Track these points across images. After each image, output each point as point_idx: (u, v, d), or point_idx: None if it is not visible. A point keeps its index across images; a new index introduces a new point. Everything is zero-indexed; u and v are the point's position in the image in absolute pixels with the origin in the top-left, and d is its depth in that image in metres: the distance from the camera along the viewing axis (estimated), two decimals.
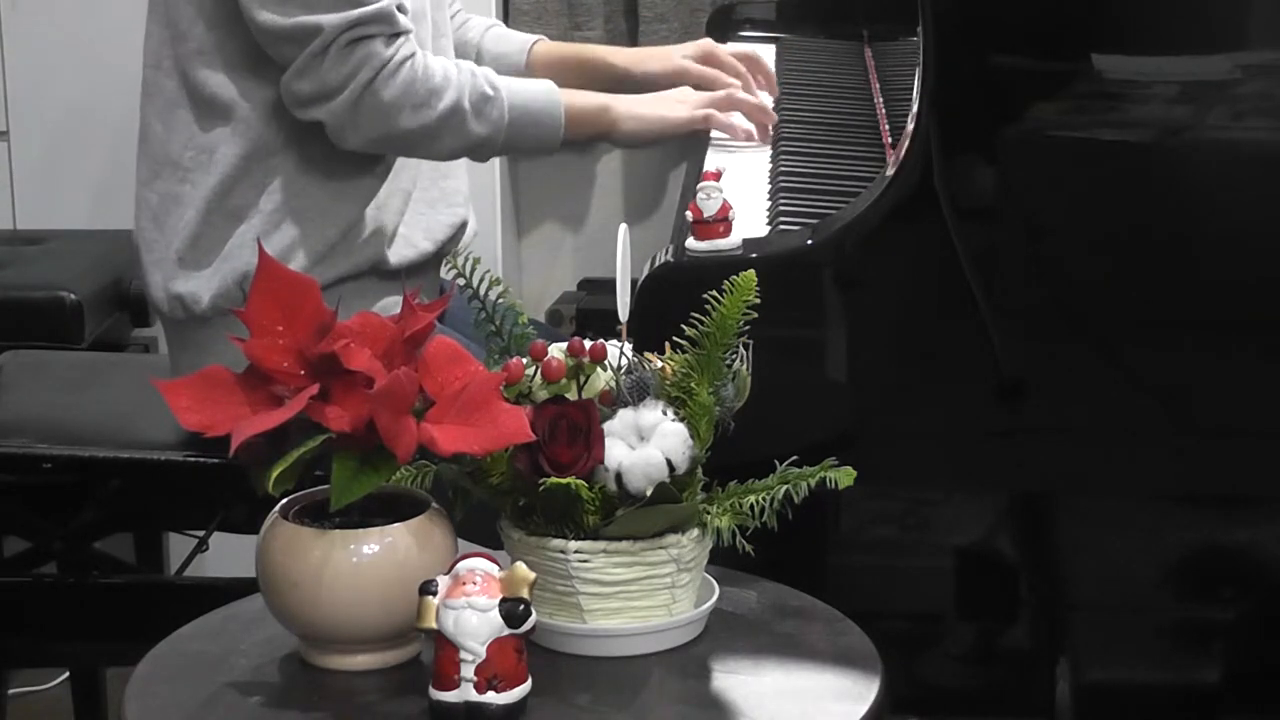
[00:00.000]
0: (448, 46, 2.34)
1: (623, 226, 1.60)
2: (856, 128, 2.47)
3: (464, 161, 2.36)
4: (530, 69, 2.48)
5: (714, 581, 1.60)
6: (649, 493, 1.51)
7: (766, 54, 2.93)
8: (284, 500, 1.54)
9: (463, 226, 2.32)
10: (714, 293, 1.57)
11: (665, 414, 1.53)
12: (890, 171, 1.87)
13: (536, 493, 1.52)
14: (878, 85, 2.64)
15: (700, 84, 2.48)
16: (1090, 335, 1.88)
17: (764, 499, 1.53)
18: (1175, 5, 1.85)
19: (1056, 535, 1.94)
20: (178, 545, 2.67)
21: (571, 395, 1.54)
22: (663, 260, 1.88)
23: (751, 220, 2.11)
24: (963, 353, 1.87)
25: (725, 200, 1.86)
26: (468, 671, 1.41)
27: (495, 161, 3.25)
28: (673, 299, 1.69)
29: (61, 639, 2.32)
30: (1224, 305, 1.86)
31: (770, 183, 2.28)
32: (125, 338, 3.00)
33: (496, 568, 1.44)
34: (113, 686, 2.64)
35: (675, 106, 2.39)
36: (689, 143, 3.26)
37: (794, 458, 1.56)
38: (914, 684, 1.94)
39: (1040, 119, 1.84)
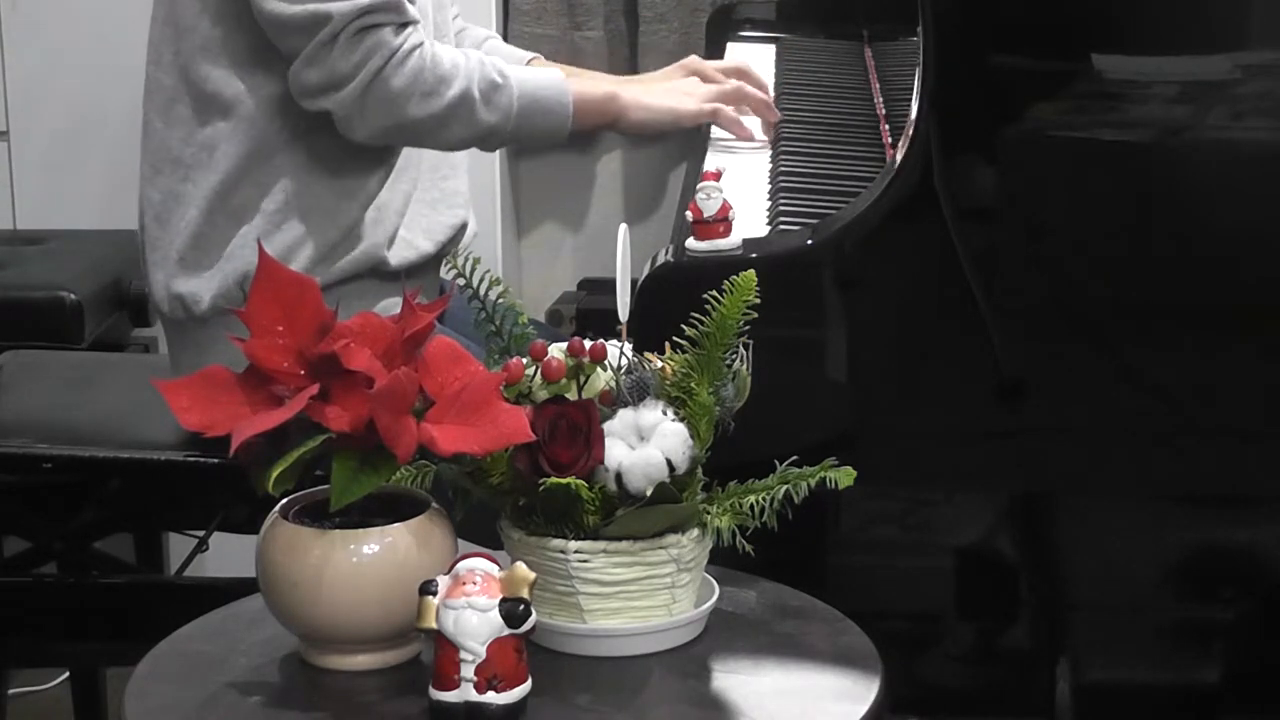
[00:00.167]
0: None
1: (623, 226, 1.60)
2: (856, 128, 2.47)
3: (465, 162, 2.36)
4: None
5: (714, 581, 1.60)
6: (649, 493, 1.51)
7: (766, 54, 2.93)
8: (284, 500, 1.54)
9: (463, 227, 2.32)
10: (714, 293, 1.57)
11: (665, 414, 1.53)
12: (890, 171, 1.86)
13: (536, 493, 1.52)
14: (878, 85, 2.64)
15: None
16: (1090, 335, 1.88)
17: (764, 499, 1.53)
18: (1175, 5, 1.85)
19: (1056, 535, 1.94)
20: (178, 545, 2.67)
21: (571, 395, 1.54)
22: (663, 260, 1.88)
23: (751, 220, 2.11)
24: (963, 353, 1.87)
25: (725, 200, 1.86)
26: (468, 671, 1.41)
27: (495, 162, 3.25)
28: (673, 299, 1.69)
29: (61, 639, 2.32)
30: (1224, 305, 1.86)
31: (770, 183, 2.28)
32: (125, 338, 3.00)
33: (496, 568, 1.44)
34: (113, 686, 2.64)
35: (683, 98, 2.39)
36: (689, 143, 3.26)
37: (794, 458, 1.56)
38: (914, 684, 1.94)
39: (1040, 119, 1.84)
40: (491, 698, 1.42)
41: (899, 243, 1.87)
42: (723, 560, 1.61)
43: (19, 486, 2.29)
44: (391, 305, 2.10)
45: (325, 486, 1.50)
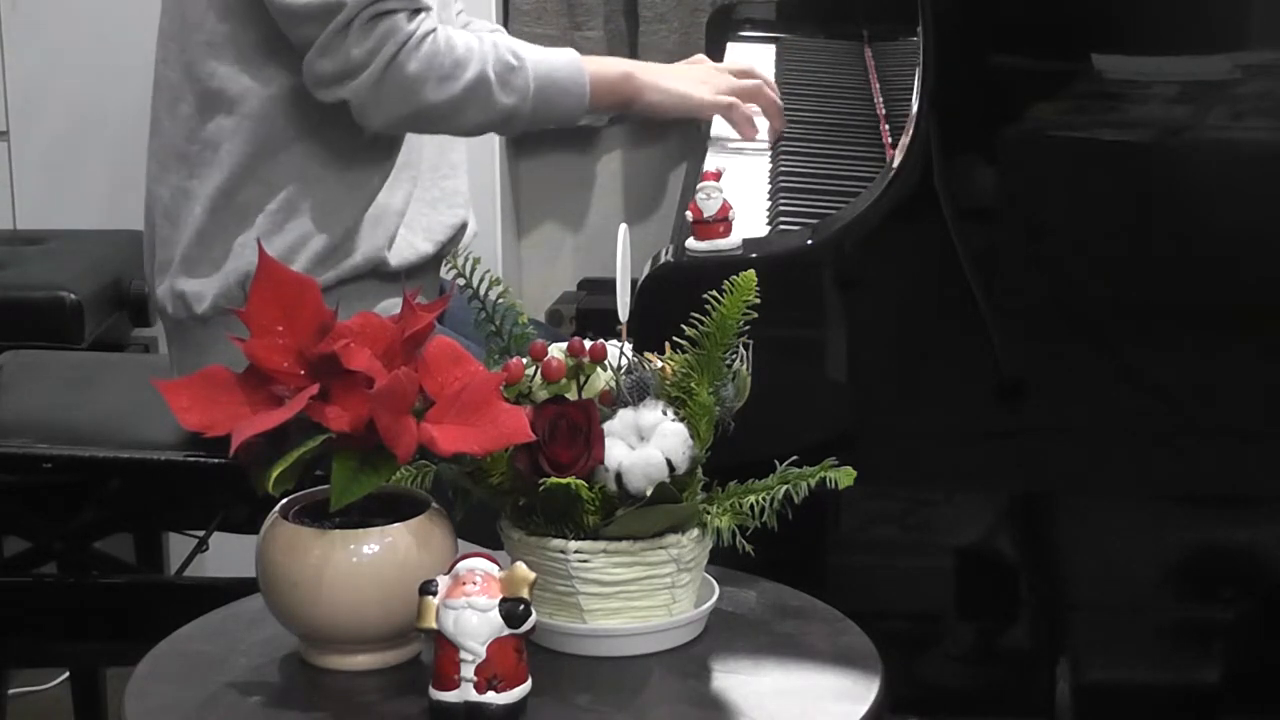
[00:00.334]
0: None
1: (623, 226, 1.60)
2: (856, 128, 2.47)
3: (464, 162, 2.36)
4: None
5: (714, 581, 1.60)
6: (649, 493, 1.51)
7: (766, 54, 2.93)
8: (284, 500, 1.54)
9: (463, 227, 2.32)
10: (714, 293, 1.56)
11: (665, 414, 1.53)
12: (890, 171, 1.86)
13: (536, 493, 1.52)
14: (878, 85, 2.64)
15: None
16: (1090, 335, 1.88)
17: (764, 499, 1.53)
18: (1175, 5, 1.85)
19: (1056, 535, 1.94)
20: (178, 545, 2.67)
21: (571, 395, 1.54)
22: (663, 260, 1.88)
23: (751, 220, 2.11)
24: (963, 353, 1.87)
25: (725, 200, 1.86)
26: (468, 671, 1.41)
27: (495, 161, 3.25)
28: (673, 299, 1.68)
29: (61, 639, 2.32)
30: (1224, 305, 1.86)
31: (770, 183, 2.28)
32: (125, 338, 3.00)
33: (496, 568, 1.44)
34: (113, 686, 2.64)
35: (700, 86, 2.38)
36: (689, 143, 3.27)
37: (794, 458, 1.56)
38: (914, 684, 1.94)
39: (1040, 119, 1.84)
40: (491, 698, 1.42)
41: (899, 243, 1.87)
42: (723, 560, 1.61)
43: (19, 486, 2.29)
44: (391, 306, 2.10)
45: (325, 486, 1.50)
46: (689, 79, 2.38)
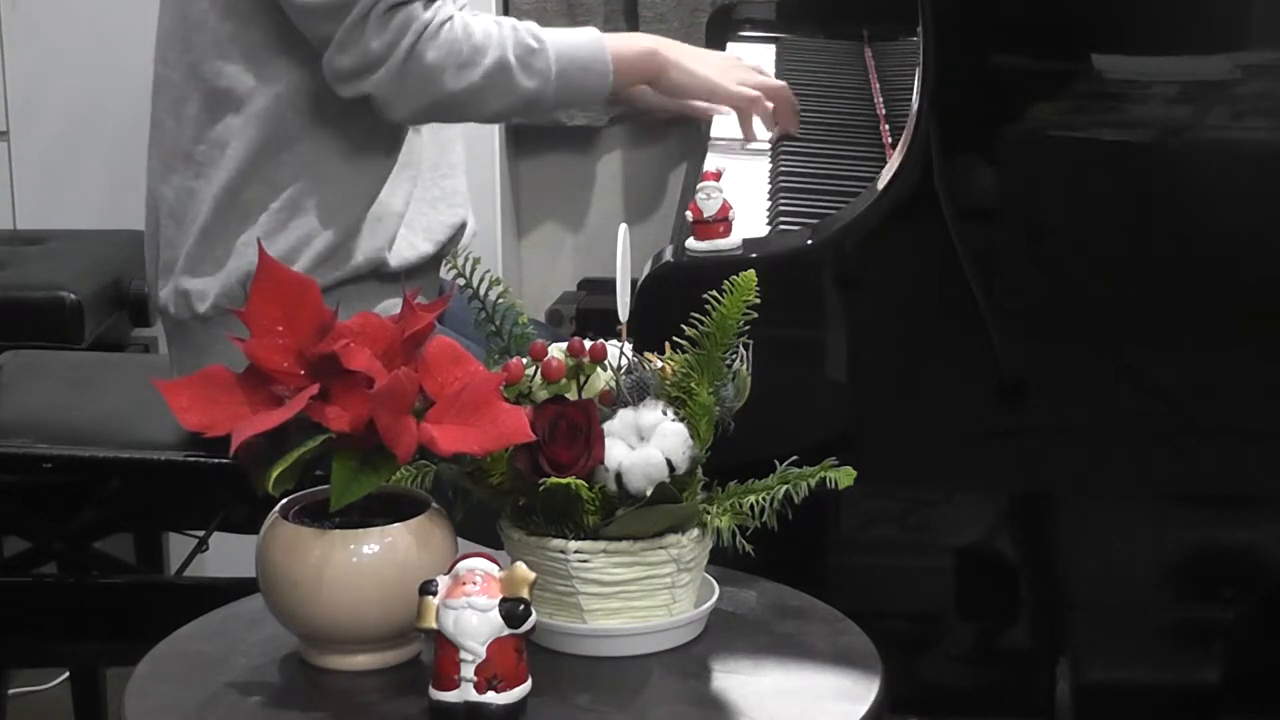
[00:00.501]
0: None
1: (623, 226, 1.60)
2: (856, 128, 2.47)
3: (463, 161, 2.36)
4: None
5: (714, 581, 1.60)
6: (649, 493, 1.51)
7: (766, 54, 2.93)
8: (284, 500, 1.54)
9: (462, 227, 2.32)
10: (714, 293, 1.56)
11: (665, 414, 1.53)
12: (890, 171, 1.86)
13: (536, 493, 1.52)
14: (878, 85, 2.64)
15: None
16: (1090, 335, 1.88)
17: (764, 499, 1.53)
18: (1175, 5, 1.85)
19: (1056, 535, 1.94)
20: (178, 545, 2.67)
21: (571, 395, 1.54)
22: (663, 260, 1.88)
23: (751, 220, 2.11)
24: (963, 353, 1.87)
25: (725, 200, 1.86)
26: (468, 671, 1.41)
27: (495, 161, 3.25)
28: (673, 299, 1.68)
29: (61, 639, 2.32)
30: (1224, 305, 1.86)
31: (770, 183, 2.27)
32: (125, 338, 3.00)
33: (496, 568, 1.44)
34: (113, 686, 2.64)
35: (725, 73, 2.36)
36: (689, 143, 3.26)
37: (794, 458, 1.56)
38: (914, 684, 1.94)
39: (1040, 119, 1.84)
40: (491, 698, 1.42)
41: (899, 243, 1.87)
42: (723, 560, 1.61)
43: (19, 486, 2.29)
44: (391, 307, 2.10)
45: (325, 486, 1.50)
46: (714, 64, 2.36)
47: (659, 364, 1.58)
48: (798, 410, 1.87)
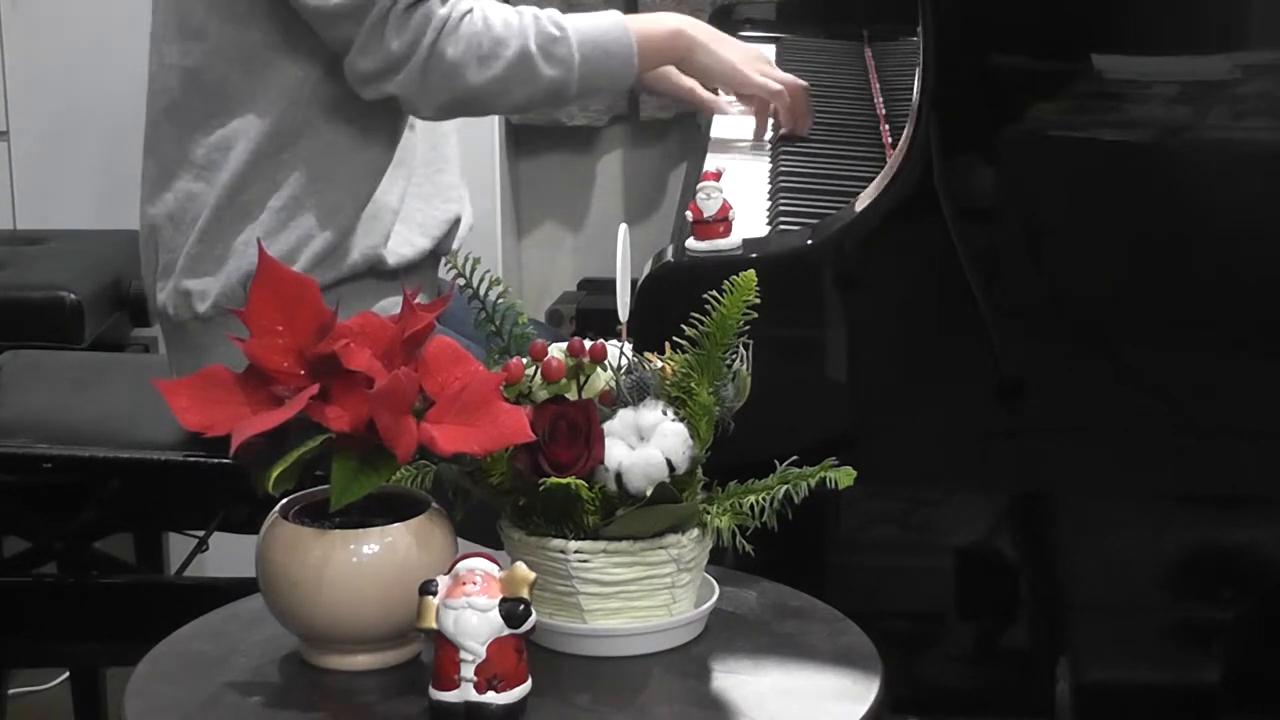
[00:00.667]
0: None
1: (623, 226, 1.60)
2: (856, 128, 2.47)
3: (457, 155, 2.35)
4: None
5: (714, 581, 1.60)
6: (649, 493, 1.51)
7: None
8: (284, 500, 1.54)
9: (458, 221, 2.31)
10: (714, 293, 1.56)
11: (665, 414, 1.53)
12: (890, 171, 1.86)
13: (536, 493, 1.52)
14: (878, 85, 2.64)
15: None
16: (1090, 335, 1.88)
17: (764, 499, 1.53)
18: (1175, 5, 1.85)
19: (1056, 535, 1.94)
20: (178, 545, 2.67)
21: (571, 395, 1.54)
22: (663, 260, 1.88)
23: (751, 220, 2.11)
24: (963, 353, 1.87)
25: (725, 200, 1.86)
26: (468, 671, 1.41)
27: (495, 161, 3.25)
28: (673, 299, 1.68)
29: (61, 639, 2.32)
30: (1224, 305, 1.86)
31: (770, 183, 2.27)
32: (125, 338, 3.00)
33: (496, 568, 1.44)
34: (113, 686, 2.64)
35: (751, 62, 2.35)
36: (689, 143, 3.26)
37: (794, 458, 1.56)
38: (914, 684, 1.94)
39: (1040, 119, 1.84)
40: (491, 698, 1.42)
41: (899, 243, 1.87)
42: (723, 560, 1.61)
43: (19, 486, 2.30)
44: (390, 306, 2.10)
45: (325, 486, 1.51)
46: (740, 52, 2.35)
47: (659, 364, 1.58)
48: (798, 410, 1.87)
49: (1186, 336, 1.87)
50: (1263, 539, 1.92)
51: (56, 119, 3.25)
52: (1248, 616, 1.93)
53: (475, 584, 1.42)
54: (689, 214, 1.88)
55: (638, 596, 1.54)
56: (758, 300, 1.56)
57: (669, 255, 1.88)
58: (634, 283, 1.69)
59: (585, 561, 1.53)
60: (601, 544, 1.53)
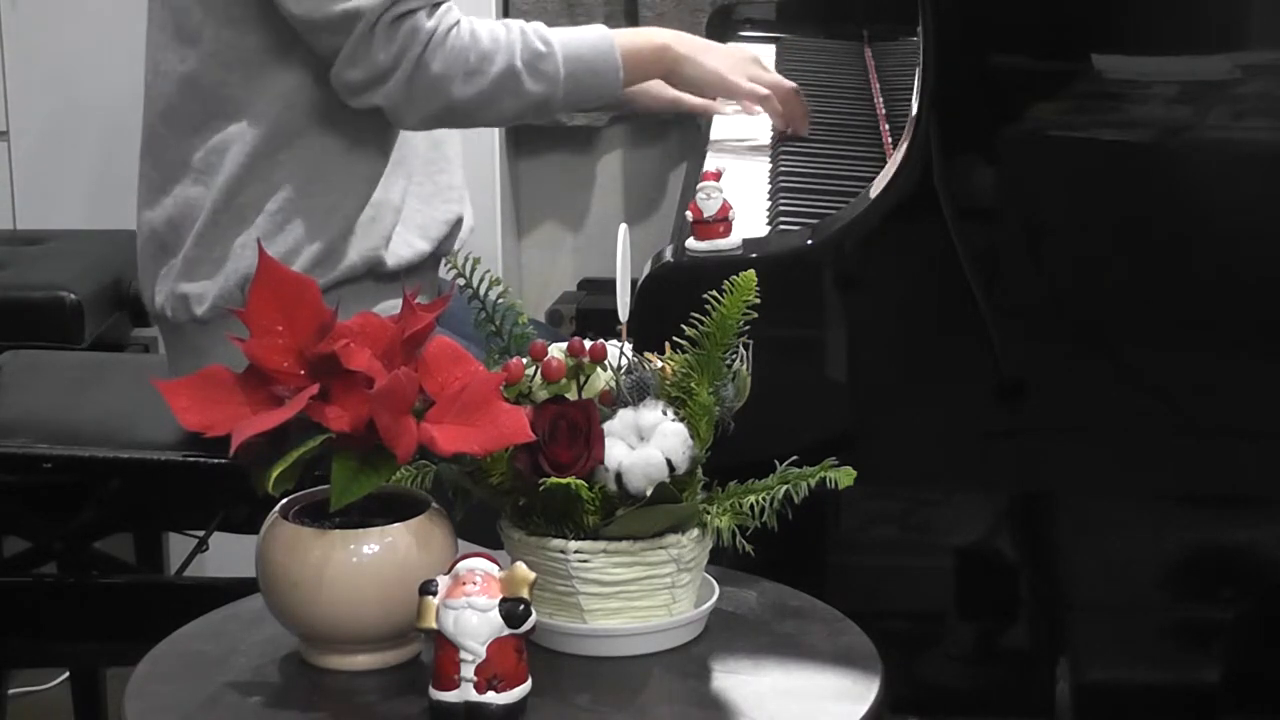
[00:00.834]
0: None
1: (623, 226, 1.60)
2: (856, 128, 2.47)
3: (459, 155, 2.35)
4: None
5: (714, 581, 1.60)
6: (649, 493, 1.51)
7: (766, 54, 2.93)
8: (284, 500, 1.54)
9: (458, 222, 2.31)
10: (714, 293, 1.56)
11: (665, 414, 1.53)
12: (890, 171, 1.86)
13: (536, 493, 1.52)
14: (878, 85, 2.64)
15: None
16: (1090, 335, 1.88)
17: (764, 499, 1.53)
18: (1175, 5, 1.85)
19: (1056, 535, 1.94)
20: (178, 545, 2.67)
21: (571, 395, 1.54)
22: (663, 260, 1.88)
23: (751, 220, 2.11)
24: (963, 353, 1.87)
25: (725, 200, 1.86)
26: (468, 671, 1.41)
27: (495, 161, 3.25)
28: (673, 299, 1.68)
29: (61, 639, 2.32)
30: (1224, 305, 1.86)
31: (770, 183, 2.27)
32: (125, 338, 3.01)
33: (496, 568, 1.44)
34: (113, 686, 2.64)
35: (737, 69, 2.36)
36: (689, 143, 3.26)
37: (794, 458, 1.56)
38: (914, 684, 1.94)
39: (1040, 119, 1.84)
40: (491, 698, 1.42)
41: (899, 243, 1.87)
42: (723, 560, 1.60)
43: (19, 486, 2.29)
44: (390, 308, 2.10)
45: (325, 486, 1.51)
46: (727, 60, 2.36)
47: (659, 364, 1.58)
48: (798, 410, 1.87)
49: (1186, 336, 1.87)
50: (1263, 539, 1.92)
51: (56, 119, 3.25)
52: (1248, 616, 1.93)
53: (475, 584, 1.42)
54: (689, 214, 1.88)
55: (638, 596, 1.54)
56: (758, 300, 1.56)
57: (669, 255, 1.88)
58: (634, 283, 1.69)
59: (585, 561, 1.53)
60: (601, 544, 1.53)
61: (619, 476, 1.51)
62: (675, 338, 1.58)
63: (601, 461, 1.51)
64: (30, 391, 2.42)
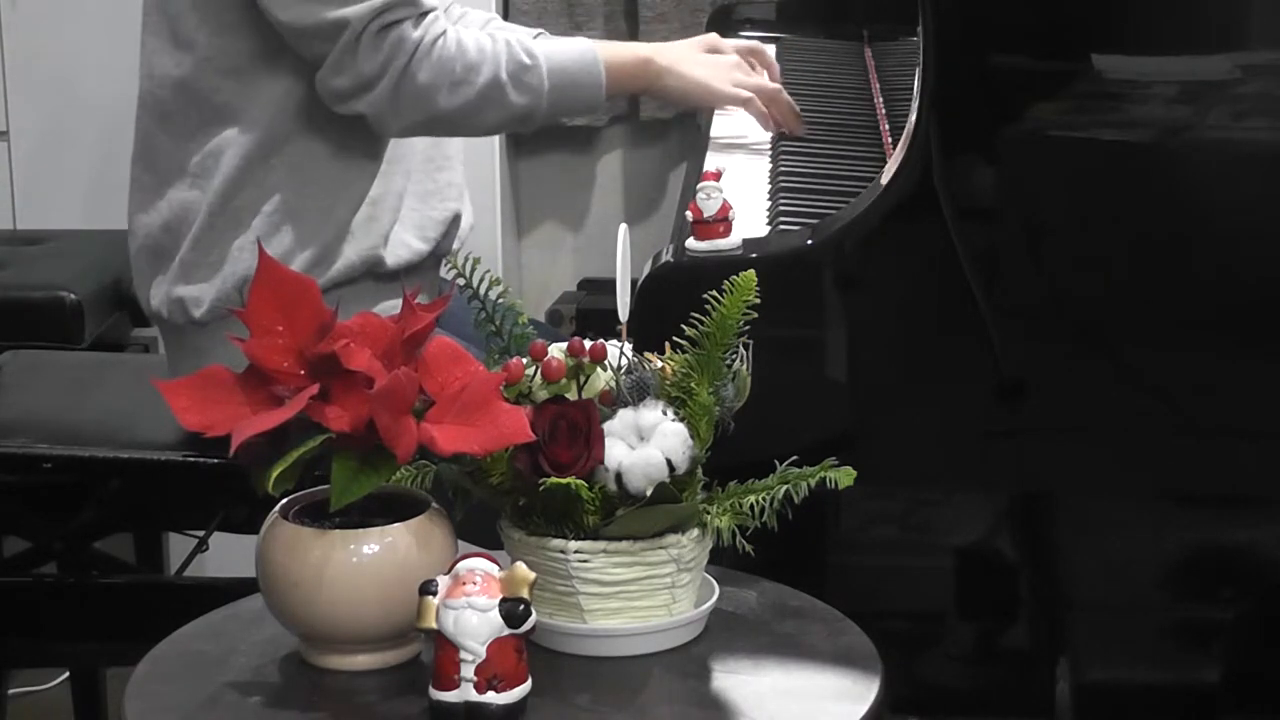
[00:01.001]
0: None
1: (623, 226, 1.60)
2: (856, 128, 2.47)
3: (460, 154, 2.36)
4: None
5: (714, 581, 1.60)
6: (649, 493, 1.51)
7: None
8: (284, 500, 1.54)
9: (456, 220, 2.31)
10: (714, 293, 1.56)
11: (665, 414, 1.53)
12: (890, 171, 1.86)
13: (536, 493, 1.52)
14: (878, 85, 2.64)
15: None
16: (1090, 335, 1.88)
17: (764, 499, 1.53)
18: (1175, 5, 1.85)
19: (1056, 535, 1.94)
20: (178, 545, 2.67)
21: (571, 395, 1.54)
22: (663, 260, 1.88)
23: (751, 220, 2.11)
24: (963, 352, 1.87)
25: (725, 200, 1.86)
26: (468, 671, 1.41)
27: (495, 161, 3.25)
28: (673, 299, 1.68)
29: (61, 639, 2.32)
30: (1224, 305, 1.86)
31: (770, 183, 2.28)
32: (125, 338, 3.00)
33: (496, 568, 1.44)
34: (113, 686, 2.64)
35: (720, 76, 2.37)
36: (689, 142, 3.26)
37: (794, 458, 1.56)
38: (914, 684, 1.94)
39: (1040, 119, 1.84)
40: (491, 698, 1.42)
41: (899, 243, 1.87)
42: (723, 560, 1.60)
43: (19, 486, 2.29)
44: (389, 309, 2.10)
45: (325, 486, 1.50)
46: (709, 66, 2.37)
47: (659, 364, 1.58)
48: (798, 410, 1.87)
49: (1186, 336, 1.87)
50: (1263, 539, 1.92)
51: (56, 119, 3.25)
52: (1248, 616, 1.93)
53: (475, 584, 1.42)
54: (689, 214, 1.88)
55: (638, 596, 1.54)
56: (758, 300, 1.56)
57: (669, 255, 1.88)
58: (634, 283, 1.69)
59: (585, 561, 1.53)
60: (601, 544, 1.53)
61: (619, 476, 1.51)
62: (675, 338, 1.58)
63: (601, 461, 1.51)
64: (30, 391, 2.42)
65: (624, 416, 1.53)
